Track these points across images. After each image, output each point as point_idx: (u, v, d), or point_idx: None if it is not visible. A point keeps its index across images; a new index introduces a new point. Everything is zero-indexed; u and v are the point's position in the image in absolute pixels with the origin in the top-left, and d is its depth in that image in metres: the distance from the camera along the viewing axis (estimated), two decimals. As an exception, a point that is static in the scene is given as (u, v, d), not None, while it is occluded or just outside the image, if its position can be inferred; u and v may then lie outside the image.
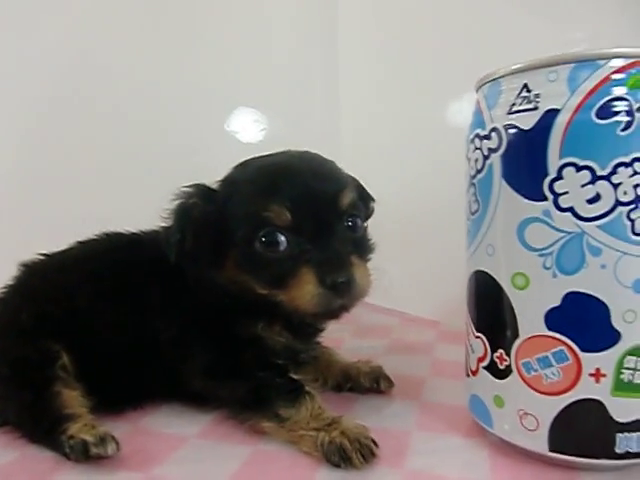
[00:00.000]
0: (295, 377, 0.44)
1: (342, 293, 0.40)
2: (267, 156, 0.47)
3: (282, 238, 0.41)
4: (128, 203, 0.76)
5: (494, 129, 0.36)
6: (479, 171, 0.38)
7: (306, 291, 0.40)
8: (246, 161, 0.48)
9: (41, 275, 0.51)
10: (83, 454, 0.38)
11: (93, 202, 0.77)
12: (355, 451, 0.37)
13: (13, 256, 0.52)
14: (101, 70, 0.80)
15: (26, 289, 0.50)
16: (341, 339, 0.67)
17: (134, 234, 0.53)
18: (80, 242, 0.53)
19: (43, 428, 0.41)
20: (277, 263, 0.42)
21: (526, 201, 0.35)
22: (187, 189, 0.46)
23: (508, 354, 0.37)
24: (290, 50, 0.97)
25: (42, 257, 0.53)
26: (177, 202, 0.46)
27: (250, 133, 0.93)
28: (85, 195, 0.78)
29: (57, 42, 0.77)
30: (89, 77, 0.79)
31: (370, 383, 0.50)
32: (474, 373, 0.41)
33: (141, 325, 0.47)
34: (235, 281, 0.44)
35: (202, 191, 0.46)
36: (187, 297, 0.46)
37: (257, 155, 0.48)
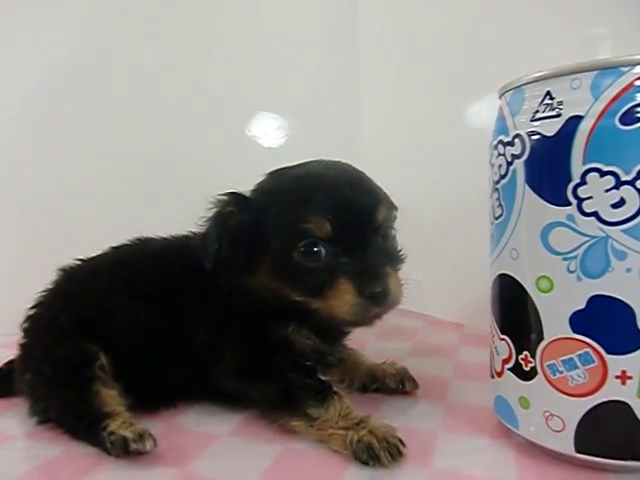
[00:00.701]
0: (323, 378, 0.46)
1: (378, 302, 0.42)
2: (300, 166, 0.48)
3: (321, 249, 0.43)
4: (153, 209, 0.79)
5: (517, 136, 0.37)
6: (503, 177, 0.39)
7: (345, 301, 0.42)
8: (279, 170, 0.49)
9: (79, 280, 0.54)
10: (123, 450, 0.40)
11: (122, 209, 0.80)
12: (383, 450, 0.38)
13: (49, 261, 0.54)
14: (123, 76, 0.82)
15: (65, 293, 0.53)
16: (366, 341, 0.68)
17: (165, 239, 0.55)
18: (114, 247, 0.56)
19: (85, 425, 0.43)
20: (315, 273, 0.43)
21: (550, 206, 0.35)
22: (223, 197, 0.47)
23: (533, 356, 0.37)
24: (310, 54, 0.99)
25: (79, 262, 0.55)
26: (214, 210, 0.47)
27: (271, 138, 0.95)
28: (114, 203, 0.81)
29: (81, 50, 0.80)
30: (111, 85, 0.81)
31: (396, 384, 0.51)
32: (499, 375, 0.41)
33: (174, 328, 0.49)
34: (268, 287, 0.46)
35: (238, 200, 0.47)
36: (218, 300, 0.48)
37: (288, 165, 0.49)
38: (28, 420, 0.48)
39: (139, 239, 0.56)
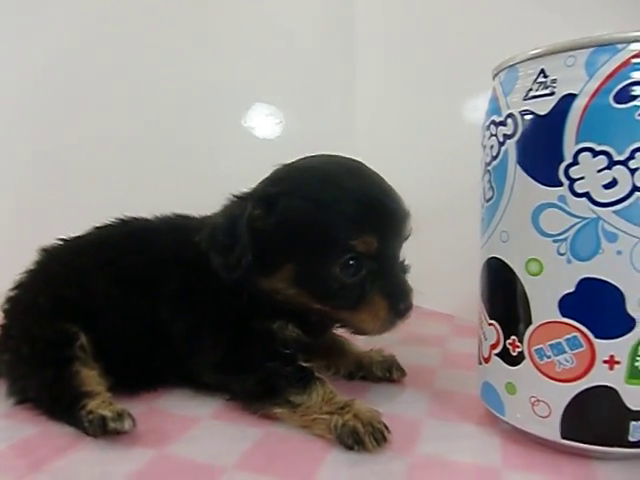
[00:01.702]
0: (305, 365, 0.44)
1: (403, 317, 0.43)
2: (316, 164, 0.46)
3: (362, 265, 0.42)
4: (147, 195, 0.78)
5: (510, 115, 0.36)
6: (494, 158, 0.38)
7: (377, 317, 0.43)
8: (298, 168, 0.46)
9: (59, 259, 0.52)
10: (101, 428, 0.39)
11: (112, 196, 0.79)
12: (368, 434, 0.37)
13: (34, 243, 0.53)
14: (121, 64, 0.82)
15: (45, 273, 0.52)
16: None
17: (149, 220, 0.54)
18: (97, 227, 0.55)
19: (63, 405, 0.42)
20: (351, 287, 0.42)
21: (541, 187, 0.34)
22: (246, 195, 0.45)
23: (521, 340, 0.37)
24: (306, 44, 0.97)
25: (61, 242, 0.54)
26: (237, 210, 0.44)
27: (266, 128, 0.94)
28: (104, 189, 0.80)
29: (80, 37, 0.79)
30: (104, 73, 0.81)
31: (382, 372, 0.50)
32: (486, 360, 0.41)
33: (153, 314, 0.47)
34: (283, 293, 0.44)
35: (264, 201, 0.43)
36: (203, 291, 0.47)
37: (299, 160, 0.47)
38: (5, 400, 0.46)
39: (123, 219, 0.55)
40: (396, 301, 0.42)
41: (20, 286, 0.52)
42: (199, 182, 0.81)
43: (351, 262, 0.42)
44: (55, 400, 0.43)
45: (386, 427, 0.39)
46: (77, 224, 0.54)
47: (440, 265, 0.77)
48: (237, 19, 0.90)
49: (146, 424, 0.42)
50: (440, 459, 0.37)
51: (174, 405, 0.47)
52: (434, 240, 0.78)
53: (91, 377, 0.44)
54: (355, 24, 0.98)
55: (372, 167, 0.48)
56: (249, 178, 0.47)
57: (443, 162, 0.77)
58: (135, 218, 0.55)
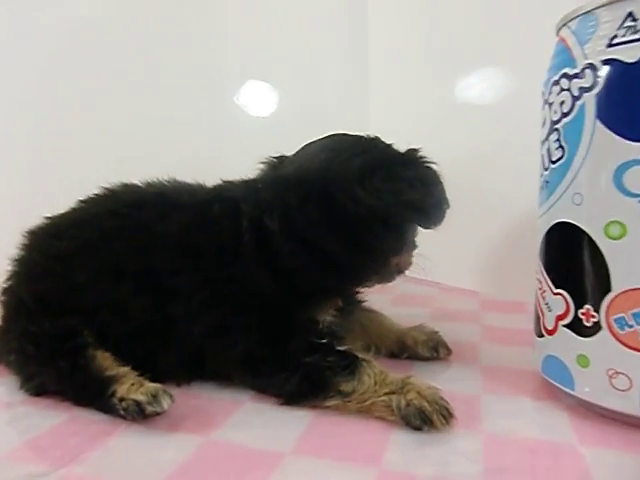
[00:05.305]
0: (345, 349, 0.41)
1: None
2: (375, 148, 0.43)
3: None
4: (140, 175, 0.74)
5: (589, 66, 0.33)
6: (566, 114, 0.35)
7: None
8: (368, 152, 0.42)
9: (37, 245, 0.46)
10: (139, 414, 0.36)
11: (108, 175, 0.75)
12: (435, 412, 0.34)
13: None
14: (110, 46, 0.76)
15: (24, 263, 0.46)
16: (381, 308, 0.64)
17: (143, 189, 0.47)
18: (81, 201, 0.48)
19: (90, 393, 0.39)
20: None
21: (626, 142, 0.32)
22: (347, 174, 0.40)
23: (597, 310, 0.34)
24: (312, 24, 0.93)
25: (45, 222, 0.47)
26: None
27: (260, 106, 0.90)
28: (99, 162, 0.75)
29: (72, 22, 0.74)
30: (98, 54, 0.75)
31: (430, 352, 0.48)
32: (550, 332, 0.38)
33: (157, 308, 0.42)
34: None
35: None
36: (228, 279, 0.41)
37: (340, 140, 0.44)
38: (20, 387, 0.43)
39: (109, 189, 0.47)
40: None
41: (10, 277, 0.46)
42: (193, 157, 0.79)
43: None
44: (80, 390, 0.39)
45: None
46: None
47: (462, 242, 0.75)
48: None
49: (183, 408, 0.39)
50: (512, 436, 0.35)
51: (210, 388, 0.43)
52: (455, 217, 0.76)
53: (108, 359, 0.40)
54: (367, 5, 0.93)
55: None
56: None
57: (463, 139, 0.75)
58: (125, 185, 0.48)
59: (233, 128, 0.87)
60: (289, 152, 0.48)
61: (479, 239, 0.74)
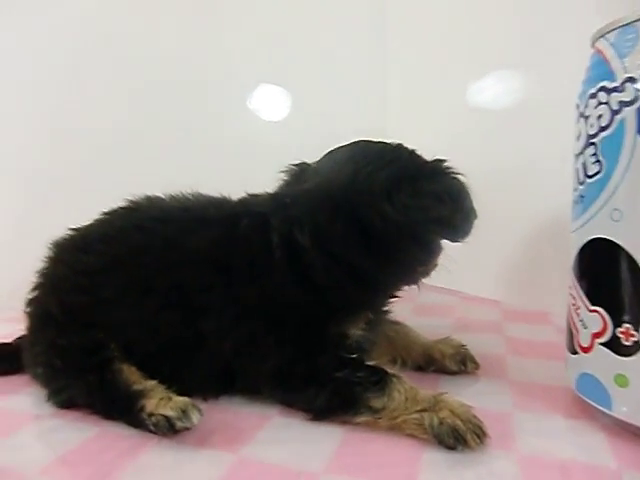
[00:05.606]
0: (373, 364, 0.41)
1: None
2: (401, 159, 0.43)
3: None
4: (152, 178, 0.74)
5: (629, 79, 0.33)
6: (604, 128, 0.35)
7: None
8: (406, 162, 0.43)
9: (65, 258, 0.46)
10: (169, 430, 0.36)
11: (123, 180, 0.74)
12: (469, 431, 0.34)
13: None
14: (132, 45, 0.77)
15: (51, 276, 0.46)
16: (403, 318, 0.63)
17: (176, 198, 0.47)
18: (106, 213, 0.47)
19: (118, 408, 0.39)
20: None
21: (669, 159, 0.31)
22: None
23: (637, 329, 0.33)
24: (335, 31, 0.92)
25: (70, 234, 0.47)
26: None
27: (274, 110, 0.90)
28: (115, 173, 0.75)
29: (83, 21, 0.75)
30: (114, 54, 0.76)
31: (457, 366, 0.47)
32: (586, 350, 0.38)
33: (186, 323, 0.41)
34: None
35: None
36: (259, 294, 0.41)
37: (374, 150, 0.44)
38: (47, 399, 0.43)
39: (136, 201, 0.47)
40: None
41: (35, 288, 0.46)
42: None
43: None
44: (108, 404, 0.39)
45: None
46: (90, 209, 0.48)
47: (483, 251, 0.74)
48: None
49: (211, 423, 0.39)
50: (548, 457, 0.34)
51: (236, 402, 0.43)
52: (477, 226, 0.75)
53: (135, 373, 0.40)
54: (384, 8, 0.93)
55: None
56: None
57: (484, 145, 0.74)
58: (148, 198, 0.47)
59: (246, 133, 0.87)
60: (304, 158, 0.47)
61: (500, 248, 0.73)
